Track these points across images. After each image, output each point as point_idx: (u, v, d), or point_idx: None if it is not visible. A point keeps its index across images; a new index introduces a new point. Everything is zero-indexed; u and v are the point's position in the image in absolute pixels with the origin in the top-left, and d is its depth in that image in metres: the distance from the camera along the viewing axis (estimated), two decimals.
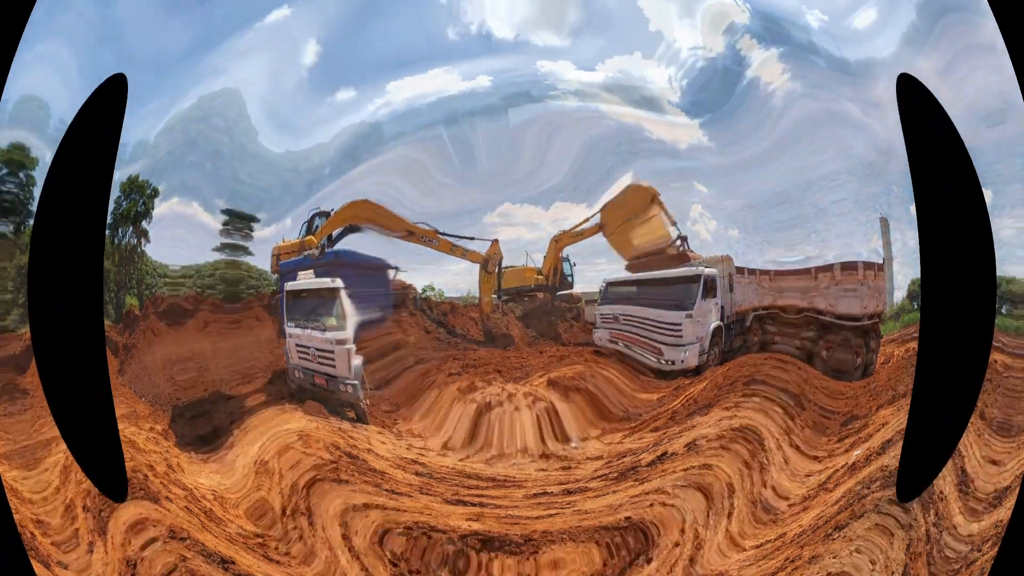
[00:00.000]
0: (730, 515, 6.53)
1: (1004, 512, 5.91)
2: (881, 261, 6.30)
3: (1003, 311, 5.88)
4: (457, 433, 6.29)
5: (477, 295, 6.32)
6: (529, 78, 6.27)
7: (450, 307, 6.26)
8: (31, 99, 5.90)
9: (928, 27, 6.01)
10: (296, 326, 6.31)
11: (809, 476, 6.54)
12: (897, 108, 6.08)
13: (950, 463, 6.09)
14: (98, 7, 5.96)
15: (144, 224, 6.44)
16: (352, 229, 6.35)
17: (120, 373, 6.34)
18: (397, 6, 6.25)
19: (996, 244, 5.93)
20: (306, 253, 6.26)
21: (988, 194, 5.96)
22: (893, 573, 5.98)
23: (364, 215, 6.30)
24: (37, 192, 5.95)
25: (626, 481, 6.30)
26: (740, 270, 6.31)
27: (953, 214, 6.18)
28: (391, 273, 6.22)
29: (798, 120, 6.36)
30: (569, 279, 6.29)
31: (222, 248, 6.29)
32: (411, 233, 6.18)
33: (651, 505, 6.38)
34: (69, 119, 5.99)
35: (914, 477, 6.74)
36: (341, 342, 6.30)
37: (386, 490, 6.30)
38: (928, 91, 6.05)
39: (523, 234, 6.21)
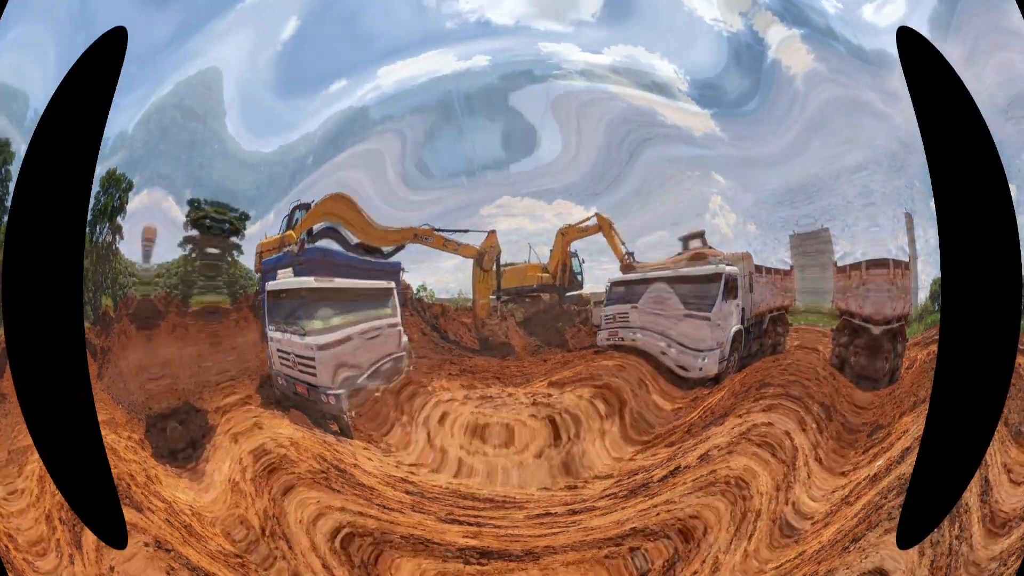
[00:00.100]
0: (751, 537, 5.56)
1: None
2: (907, 259, 5.37)
3: None
4: (449, 452, 5.16)
5: (470, 296, 5.17)
6: (531, 58, 5.16)
7: (441, 310, 5.12)
8: (5, 88, 5.25)
9: (947, 14, 5.43)
10: (276, 330, 5.20)
11: (834, 492, 5.40)
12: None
13: (976, 474, 5.39)
14: None
15: (119, 220, 5.45)
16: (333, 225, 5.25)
17: (99, 378, 5.46)
18: None
19: (1023, 241, 5.29)
20: (285, 250, 5.20)
21: (1012, 189, 5.31)
22: None
23: (339, 214, 5.15)
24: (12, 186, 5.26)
25: (636, 497, 5.26)
26: (759, 268, 5.25)
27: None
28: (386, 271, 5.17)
29: (823, 105, 5.32)
30: (579, 278, 5.16)
31: (196, 245, 5.27)
32: (389, 238, 5.12)
33: (658, 514, 5.45)
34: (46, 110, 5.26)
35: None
36: (323, 348, 5.18)
37: (377, 504, 5.24)
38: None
39: (524, 225, 5.04)
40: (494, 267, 5.30)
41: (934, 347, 5.52)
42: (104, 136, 5.47)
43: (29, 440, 5.56)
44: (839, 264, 5.50)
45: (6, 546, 5.81)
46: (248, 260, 5.48)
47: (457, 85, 5.32)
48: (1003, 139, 5.47)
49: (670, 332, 5.31)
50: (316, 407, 5.42)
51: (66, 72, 5.62)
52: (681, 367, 5.32)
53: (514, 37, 5.38)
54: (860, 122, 5.59)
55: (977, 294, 5.54)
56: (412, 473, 5.34)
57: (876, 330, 5.56)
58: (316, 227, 5.35)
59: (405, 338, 5.22)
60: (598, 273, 5.17)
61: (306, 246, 5.35)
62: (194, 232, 5.48)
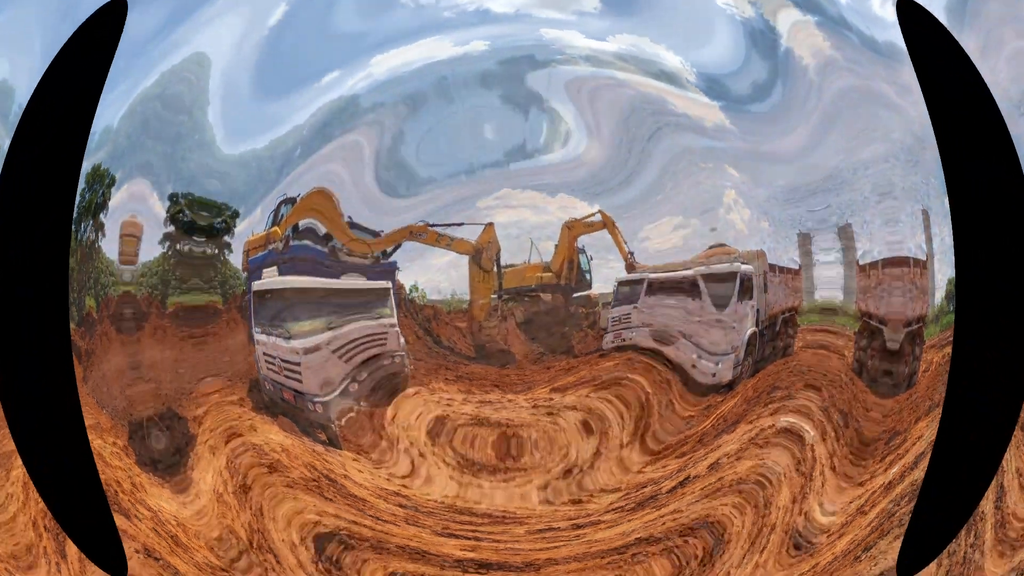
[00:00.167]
0: (763, 550, 4.69)
1: None
2: (925, 258, 4.65)
3: None
4: (443, 466, 4.44)
5: (465, 297, 4.43)
6: (532, 43, 4.48)
7: (432, 312, 4.40)
8: None
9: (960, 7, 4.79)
10: (262, 332, 4.51)
11: (851, 503, 4.76)
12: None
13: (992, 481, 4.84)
14: None
15: (102, 217, 4.74)
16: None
17: (84, 381, 4.78)
18: None
19: None
20: (271, 247, 4.51)
21: None
22: None
23: (321, 210, 4.46)
24: None
25: (643, 509, 4.61)
26: (772, 267, 4.57)
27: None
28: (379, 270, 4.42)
29: (840, 95, 4.62)
30: (587, 276, 4.45)
31: (179, 244, 4.57)
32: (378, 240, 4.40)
33: (664, 524, 4.72)
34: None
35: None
36: (309, 352, 4.46)
37: (370, 515, 4.59)
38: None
39: (526, 217, 4.36)
40: (494, 267, 4.59)
41: (949, 349, 4.78)
42: (92, 130, 4.74)
43: (12, 445, 4.88)
44: (860, 263, 4.84)
45: None
46: (236, 259, 4.82)
47: (453, 70, 4.63)
48: (1019, 134, 4.82)
49: (681, 336, 4.63)
50: (304, 415, 4.74)
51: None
52: (694, 373, 4.64)
53: (514, 24, 4.70)
54: (877, 114, 4.72)
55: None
56: (405, 487, 4.66)
57: (899, 333, 4.90)
58: (302, 223, 4.69)
59: (402, 340, 4.54)
60: (606, 272, 4.48)
61: (291, 243, 4.69)
62: (176, 229, 4.81)
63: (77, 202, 4.77)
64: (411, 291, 4.27)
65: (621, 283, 4.32)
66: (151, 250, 4.65)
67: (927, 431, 4.79)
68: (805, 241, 4.56)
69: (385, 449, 4.44)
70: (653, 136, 4.36)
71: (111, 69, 4.77)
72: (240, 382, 4.55)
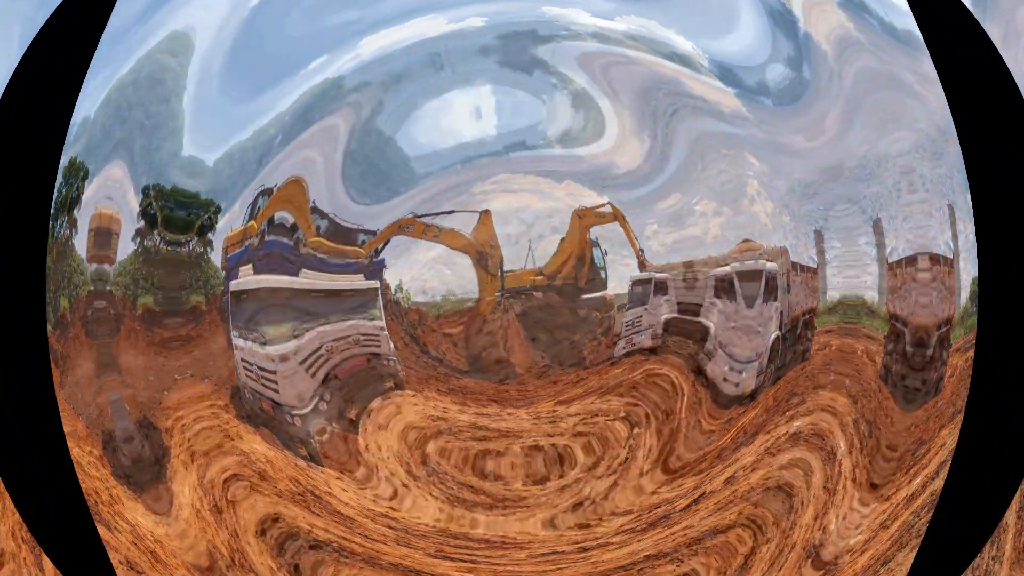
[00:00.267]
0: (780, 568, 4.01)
1: None
2: (952, 256, 3.81)
3: None
4: (435, 488, 3.52)
5: (454, 299, 3.42)
6: (533, 19, 3.61)
7: (418, 317, 3.45)
8: None
9: None
10: (240, 336, 3.64)
11: (876, 519, 3.86)
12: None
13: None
14: None
15: (75, 212, 3.85)
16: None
17: (61, 386, 3.87)
18: None
19: None
20: (247, 243, 3.66)
21: None
22: None
23: (292, 201, 3.53)
24: None
25: (654, 529, 3.75)
26: (794, 265, 3.70)
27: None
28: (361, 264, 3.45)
29: (864, 80, 3.77)
30: (602, 274, 3.51)
31: (153, 241, 3.70)
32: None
33: (674, 540, 3.71)
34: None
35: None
36: (285, 359, 3.56)
37: (359, 533, 3.75)
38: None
39: (529, 203, 3.39)
40: (498, 272, 3.69)
41: (971, 353, 3.83)
42: (71, 122, 3.79)
43: None
44: (889, 261, 3.97)
45: None
46: (217, 256, 3.97)
47: (446, 45, 3.76)
48: None
49: (701, 341, 3.77)
50: (283, 427, 3.89)
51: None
52: (716, 383, 3.77)
53: (513, 2, 3.84)
54: (902, 101, 3.75)
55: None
56: (393, 509, 3.80)
57: (930, 337, 4.05)
58: (276, 216, 3.82)
59: (391, 345, 3.68)
60: (620, 270, 3.58)
61: (265, 238, 3.83)
62: (147, 225, 3.95)
63: (54, 197, 3.84)
64: (396, 291, 3.40)
65: (636, 282, 3.45)
66: (125, 247, 3.79)
67: (948, 439, 3.89)
68: (822, 238, 3.71)
69: (367, 473, 3.59)
70: (673, 118, 3.49)
71: (94, 56, 3.86)
72: (223, 389, 3.70)
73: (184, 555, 3.53)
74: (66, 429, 3.78)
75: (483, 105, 3.21)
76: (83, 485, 3.78)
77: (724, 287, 3.26)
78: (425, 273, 3.18)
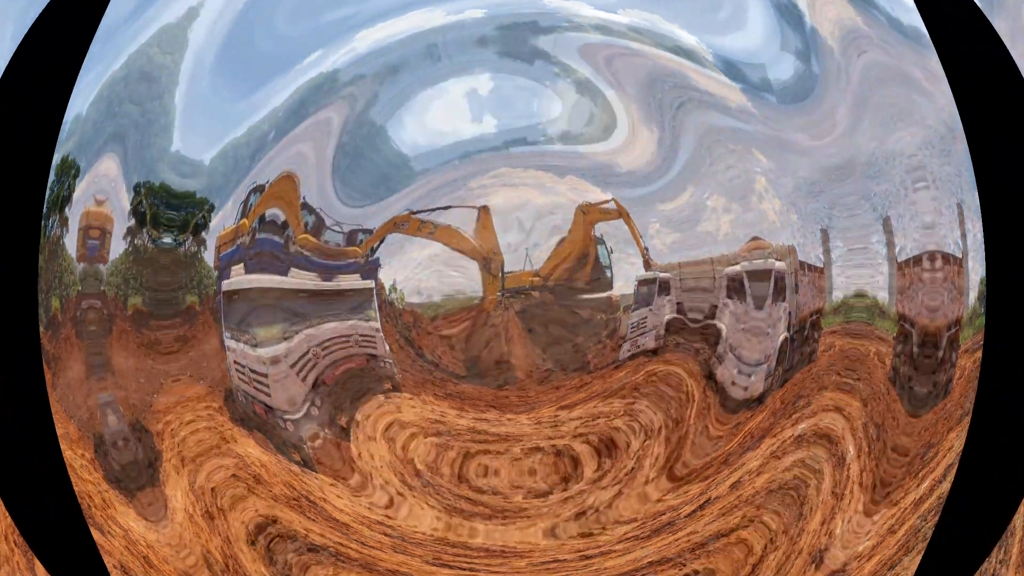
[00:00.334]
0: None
1: None
2: (960, 255, 3.50)
3: None
4: (431, 498, 3.19)
5: (450, 299, 3.09)
6: (535, 10, 3.28)
7: (412, 319, 3.13)
8: None
9: None
10: (232, 338, 3.32)
11: (884, 524, 3.54)
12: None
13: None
14: None
15: (66, 211, 3.52)
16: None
17: (53, 388, 3.53)
18: None
19: None
20: (239, 241, 3.34)
21: None
22: None
23: (284, 197, 3.20)
24: None
25: (658, 536, 3.42)
26: (801, 265, 3.37)
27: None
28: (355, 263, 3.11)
29: (872, 75, 3.44)
30: (607, 273, 3.17)
31: (144, 240, 3.37)
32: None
33: (678, 546, 3.42)
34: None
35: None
36: (276, 362, 3.24)
37: (355, 540, 3.43)
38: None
39: (531, 198, 3.05)
40: (500, 273, 3.40)
41: (979, 354, 3.50)
42: (64, 119, 3.47)
43: None
44: (899, 260, 3.63)
45: None
46: (210, 256, 3.63)
47: (444, 37, 3.41)
48: None
49: (713, 344, 3.42)
50: (276, 431, 3.54)
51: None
52: (726, 387, 3.42)
53: None
54: (911, 97, 3.44)
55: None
56: (389, 517, 3.46)
57: (941, 338, 3.71)
58: (267, 213, 3.48)
59: (387, 348, 3.33)
60: (626, 269, 3.22)
61: (256, 236, 3.48)
62: (137, 223, 3.61)
63: (47, 196, 3.44)
64: (390, 291, 3.05)
65: (642, 282, 3.10)
66: (117, 246, 3.44)
67: (956, 442, 3.58)
68: (828, 236, 3.37)
69: (362, 481, 3.25)
70: (680, 111, 3.14)
71: (88, 52, 3.44)
72: (217, 391, 3.36)
73: (177, 561, 3.18)
74: (59, 431, 3.48)
75: (482, 96, 2.85)
76: (76, 488, 3.49)
77: (735, 287, 2.90)
78: (420, 272, 2.83)
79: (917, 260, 3.36)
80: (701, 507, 3.11)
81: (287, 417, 2.95)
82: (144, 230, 3.17)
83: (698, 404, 2.86)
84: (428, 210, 2.83)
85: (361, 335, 2.97)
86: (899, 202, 3.28)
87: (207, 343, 3.14)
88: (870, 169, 3.28)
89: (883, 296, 3.23)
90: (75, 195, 3.39)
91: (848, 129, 3.34)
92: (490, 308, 3.34)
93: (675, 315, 3.00)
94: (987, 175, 3.47)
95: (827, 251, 3.29)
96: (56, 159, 3.41)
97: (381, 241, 2.91)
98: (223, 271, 3.10)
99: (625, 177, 2.89)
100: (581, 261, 2.89)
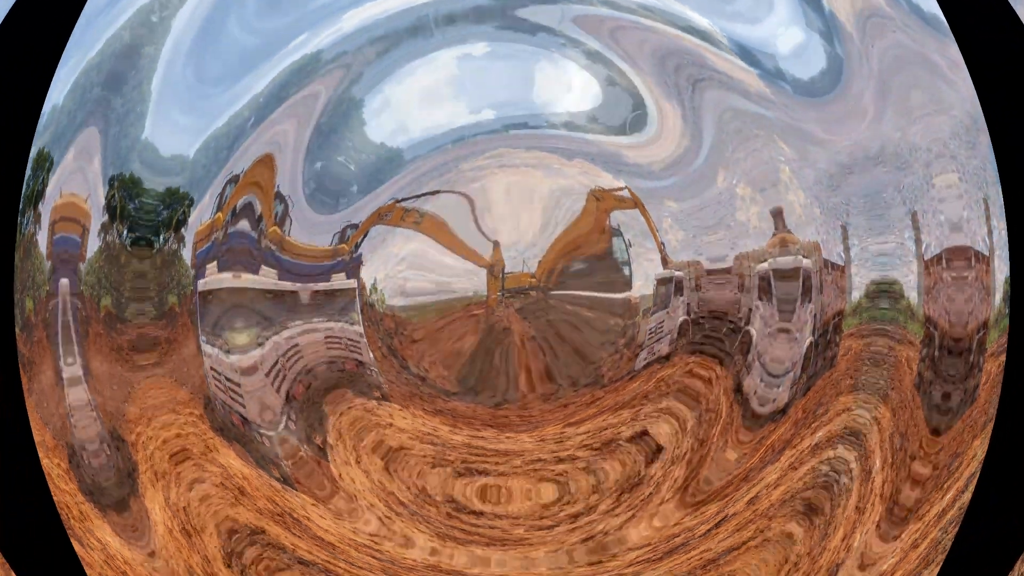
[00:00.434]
0: None
1: None
2: (988, 253, 3.00)
3: None
4: (422, 525, 2.68)
5: (432, 302, 2.55)
6: None
7: (394, 325, 2.64)
8: None
9: None
10: (207, 342, 2.84)
11: (910, 540, 3.05)
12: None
13: None
14: None
15: (40, 207, 3.06)
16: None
17: (29, 393, 3.06)
18: None
19: None
20: (213, 237, 2.84)
21: None
22: None
23: (260, 183, 2.69)
24: None
25: (671, 556, 2.91)
26: (825, 263, 2.88)
27: None
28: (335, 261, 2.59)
29: (896, 60, 2.95)
30: (626, 271, 2.62)
31: (118, 237, 2.87)
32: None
33: (689, 563, 2.91)
34: None
35: (999, 521, 3.11)
36: (248, 372, 2.76)
37: (342, 559, 2.92)
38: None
39: (533, 183, 2.50)
40: (501, 275, 2.91)
41: (1003, 357, 3.02)
42: (42, 111, 3.00)
43: None
44: (925, 258, 3.10)
45: None
46: (189, 253, 3.09)
47: (436, 8, 2.83)
48: None
49: (743, 352, 2.86)
50: (255, 444, 2.99)
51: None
52: (750, 401, 2.86)
53: None
54: (936, 85, 2.94)
55: None
56: (375, 542, 2.89)
57: (970, 341, 3.19)
58: (240, 203, 2.93)
59: (371, 356, 2.76)
60: (645, 266, 2.64)
61: (228, 231, 2.93)
62: (111, 219, 3.09)
63: (23, 191, 2.98)
64: (370, 292, 2.48)
65: (661, 280, 2.52)
66: (91, 244, 2.92)
67: (979, 450, 3.10)
68: (848, 233, 2.84)
69: (346, 503, 2.70)
70: (698, 89, 2.59)
71: (69, 40, 2.98)
72: (197, 398, 2.82)
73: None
74: (36, 438, 3.05)
75: (479, 71, 2.30)
76: (55, 498, 3.04)
77: (764, 287, 2.35)
78: (403, 270, 2.27)
79: (945, 258, 2.93)
80: (716, 525, 2.56)
81: (263, 431, 2.40)
82: (116, 225, 2.82)
83: (724, 420, 2.29)
84: (414, 196, 2.26)
85: (345, 339, 2.42)
86: (923, 196, 2.88)
87: (186, 347, 2.76)
88: (901, 158, 2.85)
89: (909, 297, 2.86)
90: (48, 190, 2.96)
91: (871, 119, 2.92)
92: (492, 304, 2.86)
93: (693, 317, 2.44)
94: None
95: (847, 248, 2.85)
96: (34, 151, 3.01)
97: (364, 235, 2.34)
98: (199, 270, 2.53)
99: (643, 167, 2.32)
100: (595, 256, 2.32)
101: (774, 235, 2.48)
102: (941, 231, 2.86)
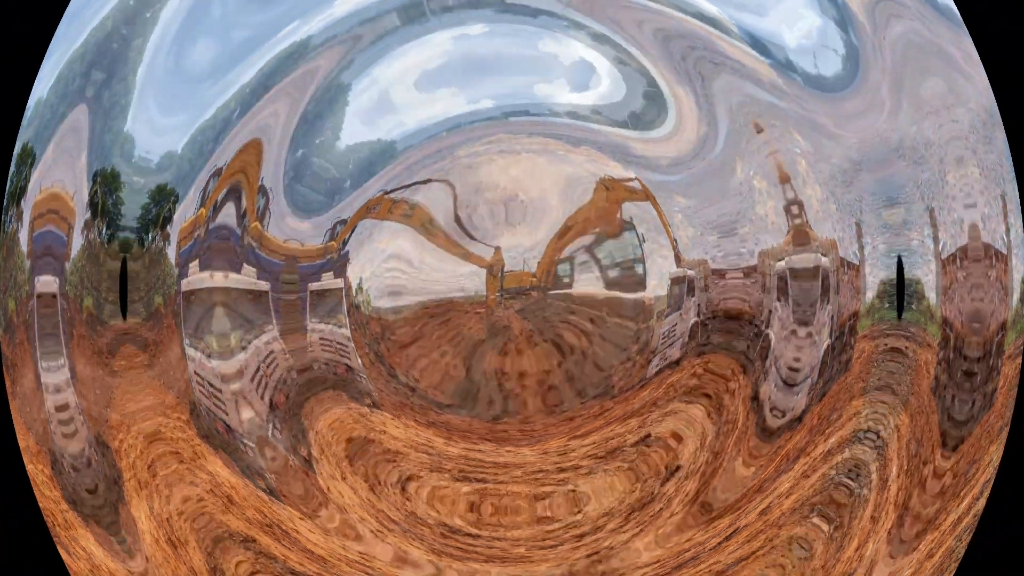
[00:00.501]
0: None
1: None
2: (1006, 252, 2.72)
3: None
4: (414, 543, 2.36)
5: (422, 304, 2.21)
6: None
7: (380, 329, 2.32)
8: None
9: None
10: (191, 345, 2.56)
11: (924, 551, 2.78)
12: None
13: None
14: None
15: (22, 203, 2.80)
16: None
17: (12, 397, 2.81)
18: None
19: None
20: (196, 234, 2.57)
21: None
22: None
23: (245, 172, 2.40)
24: None
25: (680, 571, 2.61)
26: (842, 261, 2.60)
27: None
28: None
29: (911, 51, 2.68)
30: (638, 269, 2.30)
31: (99, 235, 2.60)
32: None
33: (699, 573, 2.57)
34: None
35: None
36: (228, 379, 2.46)
37: (333, 573, 2.63)
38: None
39: (536, 171, 2.20)
40: (500, 273, 2.60)
41: (1019, 360, 2.78)
42: (27, 105, 2.78)
43: None
44: (943, 256, 2.82)
45: None
46: (173, 251, 2.81)
47: None
48: None
49: (762, 358, 2.55)
50: (240, 453, 2.70)
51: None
52: (766, 408, 2.55)
53: None
54: (952, 77, 2.69)
55: None
56: (366, 559, 2.58)
57: (990, 343, 2.90)
58: (220, 197, 2.64)
59: (359, 362, 2.45)
60: (659, 264, 2.32)
61: (209, 227, 2.64)
62: (92, 216, 2.82)
63: (7, 187, 2.76)
64: (356, 292, 2.18)
65: (675, 280, 2.20)
66: (75, 242, 2.65)
67: (996, 455, 2.86)
68: (862, 231, 2.56)
69: (334, 515, 2.41)
70: (711, 74, 2.29)
71: (55, 33, 2.76)
72: (183, 403, 2.54)
73: None
74: (20, 444, 2.80)
75: (476, 52, 2.00)
76: (40, 505, 2.79)
77: (782, 287, 2.06)
78: (387, 267, 1.98)
79: (964, 256, 2.67)
80: (727, 538, 2.27)
81: (246, 441, 2.12)
82: (91, 223, 2.57)
83: (739, 431, 1.99)
84: (404, 187, 1.96)
85: (328, 343, 2.13)
86: (940, 192, 2.63)
87: (171, 350, 2.52)
88: (917, 152, 2.60)
89: (929, 297, 2.59)
90: (30, 186, 2.72)
91: (887, 113, 2.67)
92: (492, 305, 2.55)
93: (709, 320, 2.15)
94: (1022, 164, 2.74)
95: (861, 247, 2.59)
96: (18, 146, 2.76)
97: (352, 230, 2.04)
98: (183, 268, 2.37)
99: (653, 159, 2.03)
100: (604, 252, 2.01)
101: (791, 232, 2.18)
102: (952, 229, 2.65)
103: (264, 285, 2.18)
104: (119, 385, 2.40)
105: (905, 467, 2.58)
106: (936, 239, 2.54)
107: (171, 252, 2.43)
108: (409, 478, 2.12)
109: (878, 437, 2.45)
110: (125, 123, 2.57)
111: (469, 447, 1.98)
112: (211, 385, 2.23)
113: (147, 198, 2.50)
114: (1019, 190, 2.68)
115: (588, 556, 2.20)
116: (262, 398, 2.19)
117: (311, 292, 2.17)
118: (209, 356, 2.22)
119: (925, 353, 2.38)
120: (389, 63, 2.19)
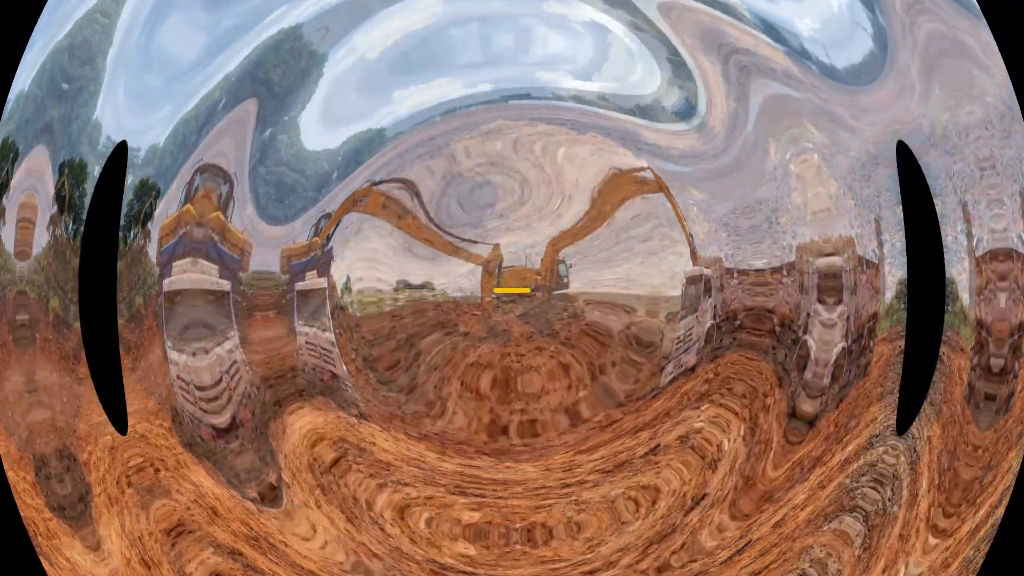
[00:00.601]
0: None
1: None
2: None
3: None
4: (410, 564, 2.15)
5: (414, 305, 1.94)
6: None
7: (372, 335, 2.10)
8: None
9: None
10: (173, 348, 2.38)
11: (937, 559, 2.97)
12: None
13: None
14: None
15: (4, 200, 2.60)
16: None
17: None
18: None
19: None
20: (180, 231, 2.38)
21: None
22: None
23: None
24: None
25: None
26: (860, 260, 2.41)
27: None
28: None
29: (932, 43, 2.49)
30: (651, 265, 2.12)
31: (72, 231, 2.40)
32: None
33: None
34: None
35: None
36: (204, 386, 2.30)
37: None
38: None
39: (540, 161, 1.96)
40: (497, 270, 2.37)
41: None
42: (8, 98, 2.62)
43: None
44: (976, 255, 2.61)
45: None
46: (153, 249, 2.59)
47: None
48: None
49: (800, 368, 2.34)
50: (226, 461, 2.49)
51: None
52: (786, 418, 2.31)
53: None
54: (970, 70, 2.52)
55: None
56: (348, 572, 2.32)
57: (1005, 346, 2.54)
58: (201, 195, 2.43)
59: (344, 369, 2.21)
60: (671, 261, 2.07)
61: (190, 222, 2.43)
62: (59, 211, 2.60)
63: None
64: (342, 292, 1.94)
65: (690, 279, 1.97)
66: (40, 240, 2.42)
67: (1015, 462, 2.69)
68: (881, 227, 2.35)
69: (321, 531, 2.19)
70: (744, 73, 2.08)
71: (37, 24, 2.59)
72: (165, 408, 2.32)
73: None
74: (1, 449, 2.66)
75: (474, 31, 1.76)
76: (22, 512, 2.64)
77: (824, 287, 1.84)
78: (380, 266, 1.77)
79: (991, 256, 2.51)
80: (740, 551, 2.04)
81: (229, 449, 1.89)
82: (58, 218, 2.42)
83: (775, 449, 1.75)
84: (393, 180, 1.72)
85: (319, 347, 1.90)
86: (972, 186, 2.51)
87: (152, 353, 2.35)
88: (944, 146, 2.43)
89: (961, 299, 2.41)
90: (13, 182, 2.55)
91: (910, 102, 2.51)
92: (488, 307, 2.34)
93: (731, 322, 1.93)
94: None
95: (880, 244, 2.42)
96: None
97: (337, 225, 1.80)
98: (164, 267, 2.28)
99: (664, 147, 1.80)
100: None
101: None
102: (983, 225, 2.48)
103: (251, 285, 1.96)
104: (84, 393, 2.19)
105: (936, 481, 2.48)
106: (970, 235, 2.43)
107: (151, 249, 2.29)
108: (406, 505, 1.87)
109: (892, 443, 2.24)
110: (92, 111, 2.49)
111: (461, 464, 1.73)
112: (197, 388, 2.02)
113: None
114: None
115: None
116: (242, 405, 1.96)
117: (291, 292, 1.93)
118: (193, 356, 2.00)
119: (954, 358, 2.16)
120: (368, 28, 1.96)
